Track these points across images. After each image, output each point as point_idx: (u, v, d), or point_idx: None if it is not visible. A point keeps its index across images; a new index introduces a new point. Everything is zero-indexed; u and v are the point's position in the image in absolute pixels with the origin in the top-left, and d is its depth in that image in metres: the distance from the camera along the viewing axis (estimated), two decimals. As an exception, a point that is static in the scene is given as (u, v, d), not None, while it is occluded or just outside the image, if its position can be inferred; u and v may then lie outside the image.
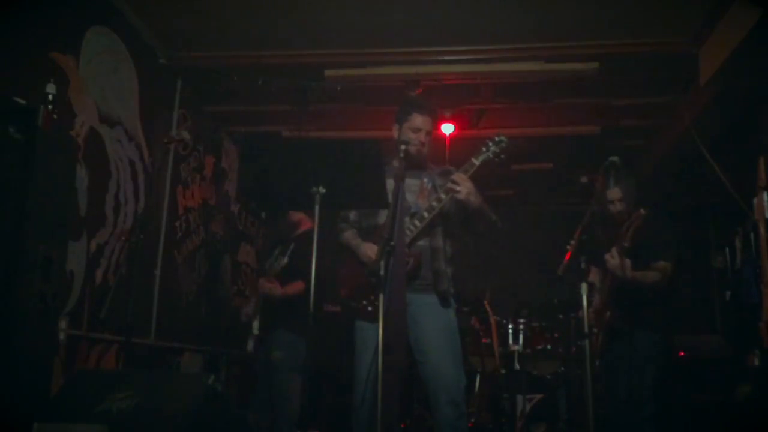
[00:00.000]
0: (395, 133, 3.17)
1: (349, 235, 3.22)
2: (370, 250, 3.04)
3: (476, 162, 2.99)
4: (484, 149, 3.02)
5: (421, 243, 3.04)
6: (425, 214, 2.99)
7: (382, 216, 3.08)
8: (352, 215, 3.27)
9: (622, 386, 3.67)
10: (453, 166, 3.18)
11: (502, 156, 3.02)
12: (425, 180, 3.14)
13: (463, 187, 2.94)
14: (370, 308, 2.99)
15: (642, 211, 3.50)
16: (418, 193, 3.11)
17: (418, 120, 3.12)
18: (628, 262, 3.55)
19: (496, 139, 3.04)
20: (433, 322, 3.00)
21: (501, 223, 3.15)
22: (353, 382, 3.01)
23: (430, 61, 4.65)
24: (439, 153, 4.84)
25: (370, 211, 3.18)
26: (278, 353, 4.05)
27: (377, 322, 2.94)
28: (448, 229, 3.13)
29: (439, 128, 5.45)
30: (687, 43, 4.32)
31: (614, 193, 3.87)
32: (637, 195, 3.87)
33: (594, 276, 3.92)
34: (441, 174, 3.16)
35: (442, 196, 3.00)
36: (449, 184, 2.97)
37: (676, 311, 3.98)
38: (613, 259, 3.58)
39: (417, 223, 2.99)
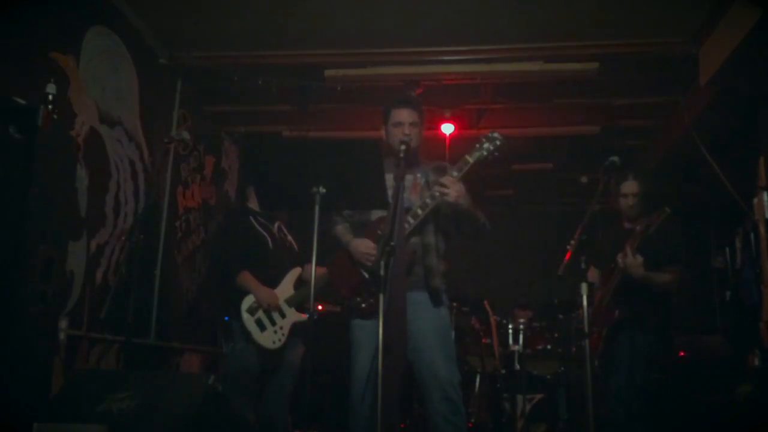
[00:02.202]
0: (383, 135, 3.15)
1: (341, 230, 3.19)
2: (362, 245, 3.03)
3: (470, 160, 2.98)
4: (477, 146, 3.01)
5: (413, 240, 3.04)
6: (419, 211, 2.98)
7: (375, 212, 3.08)
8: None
9: (616, 385, 3.68)
10: (451, 164, 3.17)
11: (496, 153, 3.00)
12: (418, 175, 3.13)
13: (453, 190, 2.91)
14: (363, 305, 2.99)
15: (667, 209, 3.48)
16: (410, 189, 3.09)
17: (398, 114, 3.12)
18: (640, 259, 3.54)
19: (490, 135, 3.02)
20: (425, 321, 2.98)
21: (489, 225, 3.14)
22: (350, 381, 3.00)
23: (430, 61, 4.66)
24: (439, 153, 4.84)
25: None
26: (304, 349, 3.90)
27: (371, 319, 2.95)
28: (440, 225, 3.12)
29: (439, 128, 5.46)
30: (687, 43, 4.32)
31: (630, 186, 3.82)
32: (657, 198, 3.82)
33: (592, 275, 3.92)
34: (434, 170, 3.14)
35: (436, 193, 2.98)
36: (438, 187, 2.94)
37: (676, 311, 3.98)
38: (627, 257, 3.55)
39: (411, 220, 2.98)
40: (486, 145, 2.99)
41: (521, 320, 4.89)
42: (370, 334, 2.91)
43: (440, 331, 3.02)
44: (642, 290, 3.63)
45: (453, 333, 3.17)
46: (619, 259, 3.60)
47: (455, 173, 2.97)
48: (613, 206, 3.95)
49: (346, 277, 3.10)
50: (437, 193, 2.95)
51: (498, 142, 2.99)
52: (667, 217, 3.47)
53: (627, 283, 3.62)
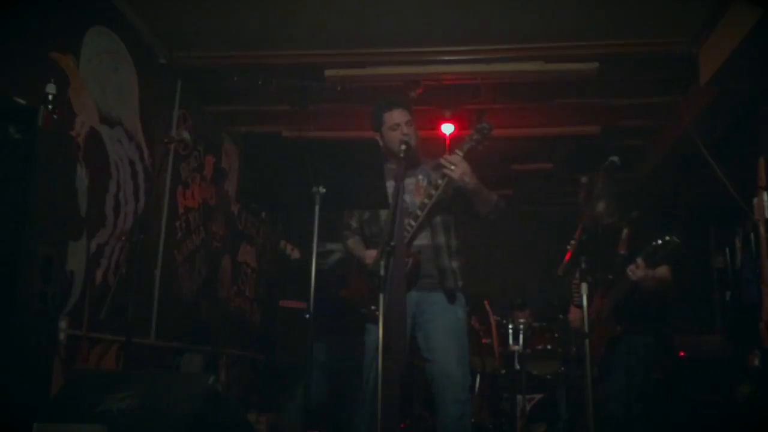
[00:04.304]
0: (379, 141, 3.16)
1: (353, 243, 3.23)
2: (369, 257, 3.05)
3: (460, 153, 3.01)
4: (467, 138, 3.05)
5: (423, 242, 3.04)
6: (418, 212, 2.99)
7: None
8: (354, 222, 3.28)
9: (615, 387, 3.66)
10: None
11: (486, 142, 3.03)
12: (420, 177, 3.14)
13: (458, 168, 2.93)
14: (378, 312, 3.01)
15: (633, 214, 3.47)
16: (414, 192, 3.11)
17: (391, 117, 3.14)
18: (651, 271, 3.47)
19: (478, 126, 3.06)
20: (441, 322, 3.01)
21: (504, 204, 3.15)
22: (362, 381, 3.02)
23: (430, 61, 4.65)
24: (439, 153, 4.84)
25: (372, 218, 3.18)
26: None
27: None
28: (449, 222, 3.13)
29: (439, 128, 5.45)
30: (687, 43, 4.32)
31: (600, 206, 3.82)
32: (622, 202, 3.80)
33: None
34: (435, 168, 3.15)
35: (432, 192, 3.00)
36: (443, 161, 2.97)
37: (676, 311, 3.97)
38: (639, 270, 3.48)
39: (412, 222, 2.99)
40: (475, 136, 3.03)
41: (521, 320, 4.89)
42: (377, 338, 2.93)
43: (456, 333, 3.03)
44: (643, 301, 3.59)
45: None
46: (631, 272, 3.51)
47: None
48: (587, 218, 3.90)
49: (357, 283, 3.12)
50: (440, 180, 2.97)
51: (486, 131, 3.03)
52: (637, 221, 3.47)
53: (630, 296, 3.56)
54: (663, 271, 3.62)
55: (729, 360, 4.72)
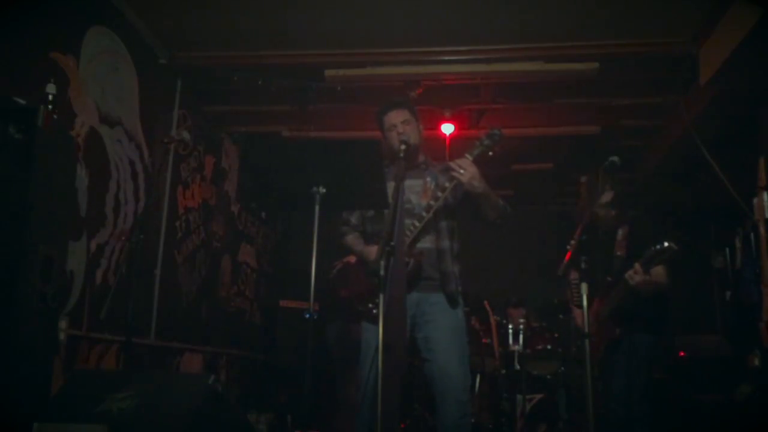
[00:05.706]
0: (385, 143, 3.18)
1: (352, 239, 3.22)
2: (371, 253, 3.05)
3: (470, 157, 3.01)
4: (477, 143, 3.05)
5: (427, 245, 3.05)
6: (424, 214, 2.99)
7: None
8: (354, 219, 3.27)
9: (616, 386, 3.65)
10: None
11: (496, 148, 3.04)
12: (428, 179, 3.14)
13: (467, 171, 2.94)
14: (375, 311, 3.00)
15: (630, 213, 3.47)
16: (421, 194, 3.11)
17: (388, 119, 3.15)
18: (648, 277, 3.46)
19: (489, 132, 3.07)
20: (442, 322, 3.01)
21: (511, 208, 3.16)
22: (359, 382, 3.02)
23: (430, 61, 4.65)
24: (439, 153, 4.84)
25: (375, 216, 3.18)
26: None
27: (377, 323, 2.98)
28: (454, 227, 3.13)
29: (439, 128, 5.45)
30: (687, 43, 4.32)
31: (606, 196, 3.81)
32: (623, 202, 3.80)
33: (574, 276, 3.87)
34: (443, 171, 3.16)
35: (439, 194, 3.00)
36: (452, 164, 2.98)
37: (676, 311, 3.96)
38: (637, 275, 3.46)
39: (416, 223, 2.99)
40: (486, 142, 3.03)
41: (521, 320, 4.90)
42: (375, 338, 2.93)
43: (456, 334, 3.04)
44: (642, 304, 3.57)
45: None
46: (629, 278, 3.49)
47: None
48: (586, 217, 3.88)
49: (354, 281, 3.12)
50: (447, 183, 2.97)
51: (496, 138, 3.04)
52: (633, 219, 3.46)
53: (627, 300, 3.55)
54: (658, 272, 3.61)
55: (729, 360, 4.72)
